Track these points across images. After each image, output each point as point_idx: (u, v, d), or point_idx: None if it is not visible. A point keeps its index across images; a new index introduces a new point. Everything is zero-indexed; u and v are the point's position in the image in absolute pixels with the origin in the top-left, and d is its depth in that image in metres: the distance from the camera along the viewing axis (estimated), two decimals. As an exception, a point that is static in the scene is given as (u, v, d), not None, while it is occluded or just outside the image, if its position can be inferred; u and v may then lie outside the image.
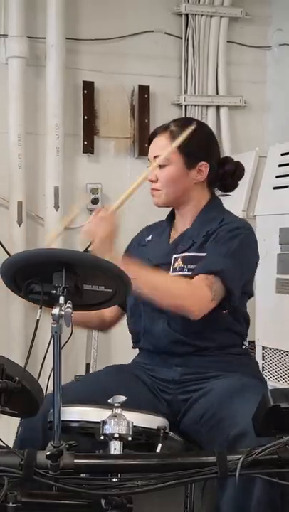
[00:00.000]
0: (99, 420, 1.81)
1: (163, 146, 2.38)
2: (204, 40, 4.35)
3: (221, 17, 4.37)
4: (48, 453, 1.61)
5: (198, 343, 2.30)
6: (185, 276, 2.29)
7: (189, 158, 2.37)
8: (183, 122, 2.49)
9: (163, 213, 2.56)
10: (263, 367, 3.47)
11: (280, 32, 4.41)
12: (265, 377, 3.39)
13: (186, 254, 2.35)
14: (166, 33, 4.32)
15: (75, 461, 1.64)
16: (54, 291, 1.66)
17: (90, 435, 1.89)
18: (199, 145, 2.39)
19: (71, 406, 1.93)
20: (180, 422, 2.26)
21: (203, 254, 2.31)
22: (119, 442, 1.77)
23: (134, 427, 1.81)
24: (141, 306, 2.37)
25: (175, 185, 2.39)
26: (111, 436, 1.77)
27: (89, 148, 4.16)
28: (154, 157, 2.40)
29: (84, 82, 4.15)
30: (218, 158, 2.47)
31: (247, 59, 4.48)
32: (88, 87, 4.16)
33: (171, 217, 2.51)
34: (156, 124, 3.72)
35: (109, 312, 2.49)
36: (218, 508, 1.96)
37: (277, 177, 3.52)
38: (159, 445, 1.89)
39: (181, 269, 2.33)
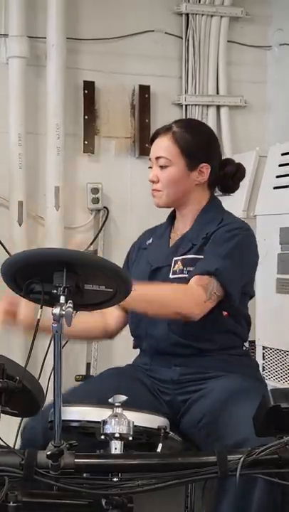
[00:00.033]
0: (99, 420, 1.81)
1: (165, 147, 2.38)
2: (205, 39, 4.35)
3: (222, 17, 4.36)
4: (48, 452, 1.61)
5: (198, 345, 2.30)
6: (184, 278, 2.29)
7: (191, 159, 2.37)
8: (185, 123, 2.49)
9: (164, 214, 2.56)
10: (263, 367, 3.47)
11: (280, 32, 4.40)
12: (265, 377, 3.39)
13: (185, 256, 2.35)
14: (166, 32, 4.32)
15: (76, 460, 1.64)
16: (55, 291, 1.66)
17: (90, 435, 1.89)
18: (201, 146, 2.39)
19: (72, 406, 1.93)
20: (179, 421, 2.26)
21: (202, 256, 2.31)
22: (119, 442, 1.77)
23: (135, 426, 1.81)
24: None
25: (176, 186, 2.38)
26: (112, 436, 1.77)
27: (89, 148, 4.16)
28: (156, 158, 2.39)
29: (84, 81, 4.15)
30: (220, 159, 2.47)
31: (247, 59, 4.47)
32: (89, 86, 4.16)
33: (172, 218, 2.51)
34: (157, 124, 3.73)
35: (112, 320, 2.48)
36: (218, 508, 1.96)
37: (277, 177, 3.52)
38: (160, 445, 1.90)
39: (181, 272, 2.33)
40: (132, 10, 4.23)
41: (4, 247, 3.87)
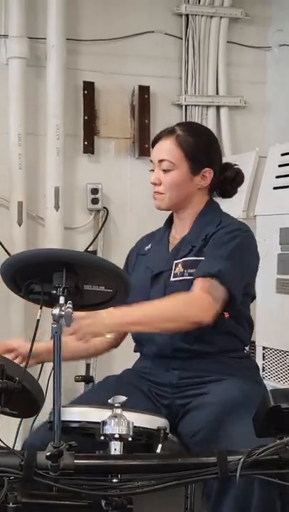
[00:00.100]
0: (99, 420, 1.81)
1: (168, 150, 2.37)
2: (204, 40, 4.35)
3: (221, 18, 4.37)
4: (48, 453, 1.61)
5: (198, 347, 2.28)
6: (185, 280, 2.29)
7: (195, 164, 2.36)
8: (188, 127, 2.48)
9: (163, 214, 2.55)
10: (263, 367, 3.47)
11: (280, 32, 4.41)
12: (265, 378, 3.39)
13: (185, 258, 2.34)
14: (166, 33, 4.32)
15: (75, 461, 1.64)
16: (54, 292, 1.66)
17: (90, 435, 1.89)
18: (205, 151, 2.39)
19: (71, 406, 1.93)
20: (177, 425, 2.24)
21: (203, 258, 2.30)
22: (119, 443, 1.76)
23: (135, 427, 1.80)
24: None
25: (179, 189, 2.37)
26: (111, 437, 1.77)
27: (89, 148, 4.16)
28: (159, 161, 2.38)
29: (84, 82, 4.16)
30: (221, 164, 2.47)
31: (247, 59, 4.48)
32: (88, 87, 4.16)
33: (170, 222, 2.50)
34: (157, 125, 3.74)
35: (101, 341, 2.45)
36: (218, 508, 1.95)
37: (277, 177, 3.52)
38: (159, 446, 1.89)
39: (182, 274, 2.32)
40: (131, 11, 4.24)
41: (4, 248, 3.87)
